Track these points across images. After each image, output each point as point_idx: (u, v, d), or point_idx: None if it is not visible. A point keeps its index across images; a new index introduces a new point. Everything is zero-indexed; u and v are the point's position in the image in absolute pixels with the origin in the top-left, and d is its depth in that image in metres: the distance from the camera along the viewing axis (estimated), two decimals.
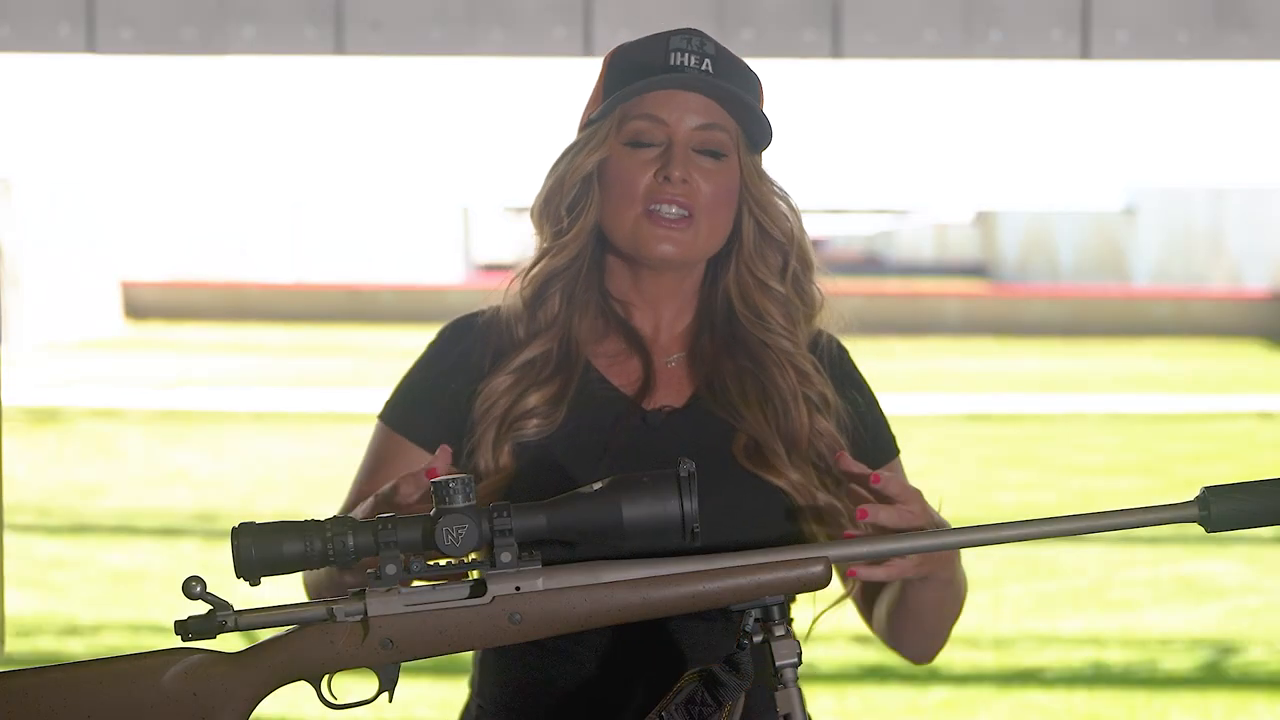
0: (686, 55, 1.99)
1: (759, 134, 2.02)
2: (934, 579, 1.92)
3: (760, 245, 2.05)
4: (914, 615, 2.00)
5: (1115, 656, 6.30)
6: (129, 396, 14.85)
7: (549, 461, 1.98)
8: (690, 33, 2.01)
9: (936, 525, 1.87)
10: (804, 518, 1.97)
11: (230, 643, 1.64)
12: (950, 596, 2.00)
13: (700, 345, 2.07)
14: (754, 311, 2.05)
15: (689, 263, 2.03)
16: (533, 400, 2.01)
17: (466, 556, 1.68)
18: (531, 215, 2.08)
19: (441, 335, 2.11)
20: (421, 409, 2.06)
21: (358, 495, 2.04)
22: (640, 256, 2.01)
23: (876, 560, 1.80)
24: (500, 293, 2.10)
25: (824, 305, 2.09)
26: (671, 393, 2.04)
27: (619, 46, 2.06)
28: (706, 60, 1.99)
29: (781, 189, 2.06)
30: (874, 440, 2.08)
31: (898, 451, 2.12)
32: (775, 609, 1.70)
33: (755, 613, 1.70)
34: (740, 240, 2.05)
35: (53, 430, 12.53)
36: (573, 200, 2.03)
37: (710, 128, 1.99)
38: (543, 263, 2.05)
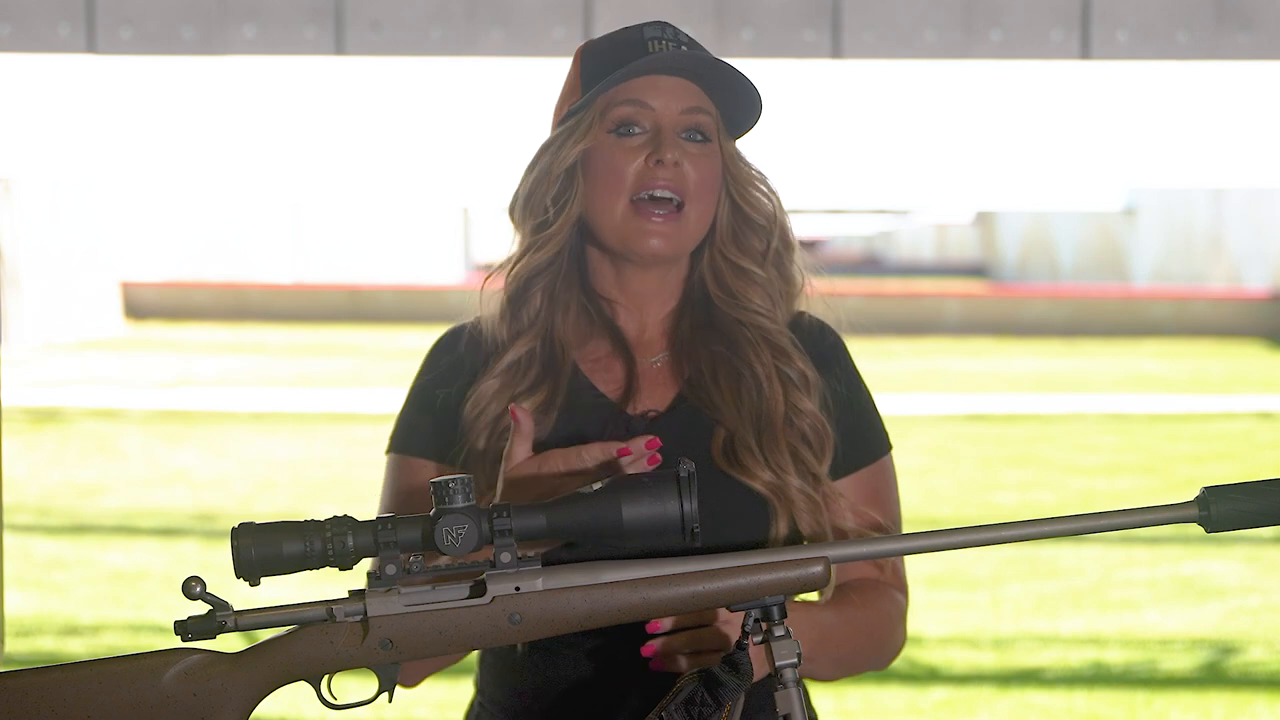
0: (663, 43, 1.98)
1: (739, 118, 2.02)
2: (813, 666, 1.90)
3: (737, 230, 2.04)
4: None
5: (1115, 656, 6.30)
6: (129, 396, 14.85)
7: None
8: (663, 24, 2.01)
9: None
10: (776, 518, 1.96)
11: (230, 643, 1.64)
12: (843, 667, 1.99)
13: (680, 334, 2.06)
14: (728, 292, 2.04)
15: (678, 256, 2.03)
16: None
17: (466, 557, 1.68)
18: (511, 212, 2.06)
19: (431, 350, 2.11)
20: (421, 425, 2.06)
21: None
22: (628, 252, 2.00)
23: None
24: (478, 304, 2.09)
25: (806, 287, 2.08)
26: (656, 395, 2.03)
27: (589, 42, 2.05)
28: (683, 47, 1.99)
29: (759, 171, 2.05)
30: (857, 435, 2.06)
31: (889, 448, 2.10)
32: (775, 609, 1.70)
33: (755, 613, 1.70)
34: (716, 225, 2.04)
35: (53, 430, 12.53)
36: (557, 193, 2.02)
37: (695, 111, 1.98)
38: (525, 259, 2.04)
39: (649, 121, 1.98)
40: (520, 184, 2.05)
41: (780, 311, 2.06)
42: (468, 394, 2.03)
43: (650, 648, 1.83)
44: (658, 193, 1.97)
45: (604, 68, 1.99)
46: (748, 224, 2.04)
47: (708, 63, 1.97)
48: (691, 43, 2.01)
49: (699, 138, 1.99)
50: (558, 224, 2.02)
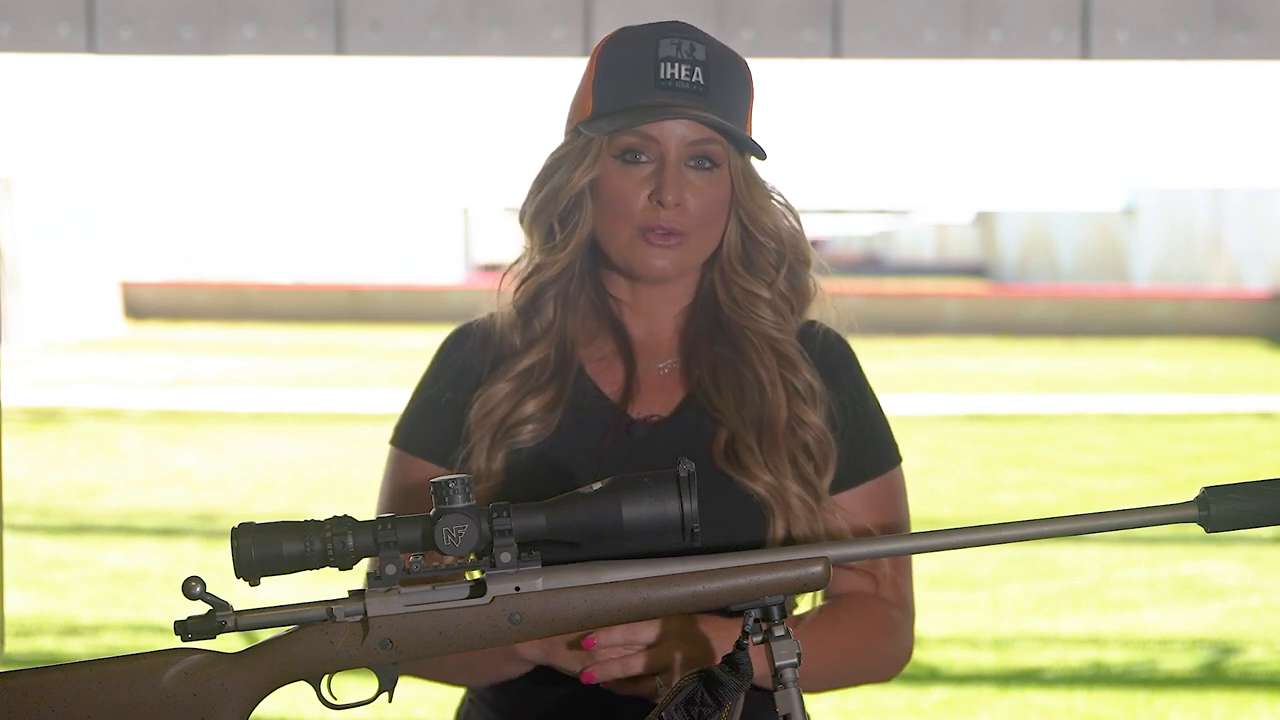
0: (677, 66, 1.96)
1: (751, 145, 2.01)
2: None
3: (746, 250, 2.04)
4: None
5: (1115, 656, 6.30)
6: (129, 396, 14.84)
7: (542, 467, 1.98)
8: (680, 34, 1.98)
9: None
10: (773, 521, 1.96)
11: (230, 643, 1.64)
12: (822, 680, 1.99)
13: (689, 336, 2.06)
14: (736, 301, 2.05)
15: (683, 275, 2.03)
16: (530, 408, 2.00)
17: (466, 556, 1.68)
18: (521, 220, 2.06)
19: (440, 348, 2.11)
20: (426, 424, 2.07)
21: None
22: (634, 273, 2.01)
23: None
24: (494, 300, 2.10)
25: (818, 295, 2.08)
26: (662, 400, 2.04)
27: (608, 41, 2.01)
28: (697, 69, 1.96)
29: (775, 190, 2.04)
30: (864, 446, 2.05)
31: (898, 461, 2.08)
32: (775, 609, 1.70)
33: (755, 613, 1.70)
34: (724, 246, 2.04)
35: (53, 430, 12.53)
36: (565, 214, 2.02)
37: (703, 142, 1.97)
38: (535, 275, 2.05)
39: (654, 151, 1.97)
40: (530, 195, 2.04)
41: (790, 322, 2.05)
42: (475, 395, 2.03)
43: (590, 675, 1.84)
44: (660, 229, 1.97)
45: (615, 86, 1.97)
46: (756, 246, 2.04)
47: (711, 122, 1.95)
48: (710, 56, 1.97)
49: (707, 165, 1.98)
50: (569, 246, 2.02)
